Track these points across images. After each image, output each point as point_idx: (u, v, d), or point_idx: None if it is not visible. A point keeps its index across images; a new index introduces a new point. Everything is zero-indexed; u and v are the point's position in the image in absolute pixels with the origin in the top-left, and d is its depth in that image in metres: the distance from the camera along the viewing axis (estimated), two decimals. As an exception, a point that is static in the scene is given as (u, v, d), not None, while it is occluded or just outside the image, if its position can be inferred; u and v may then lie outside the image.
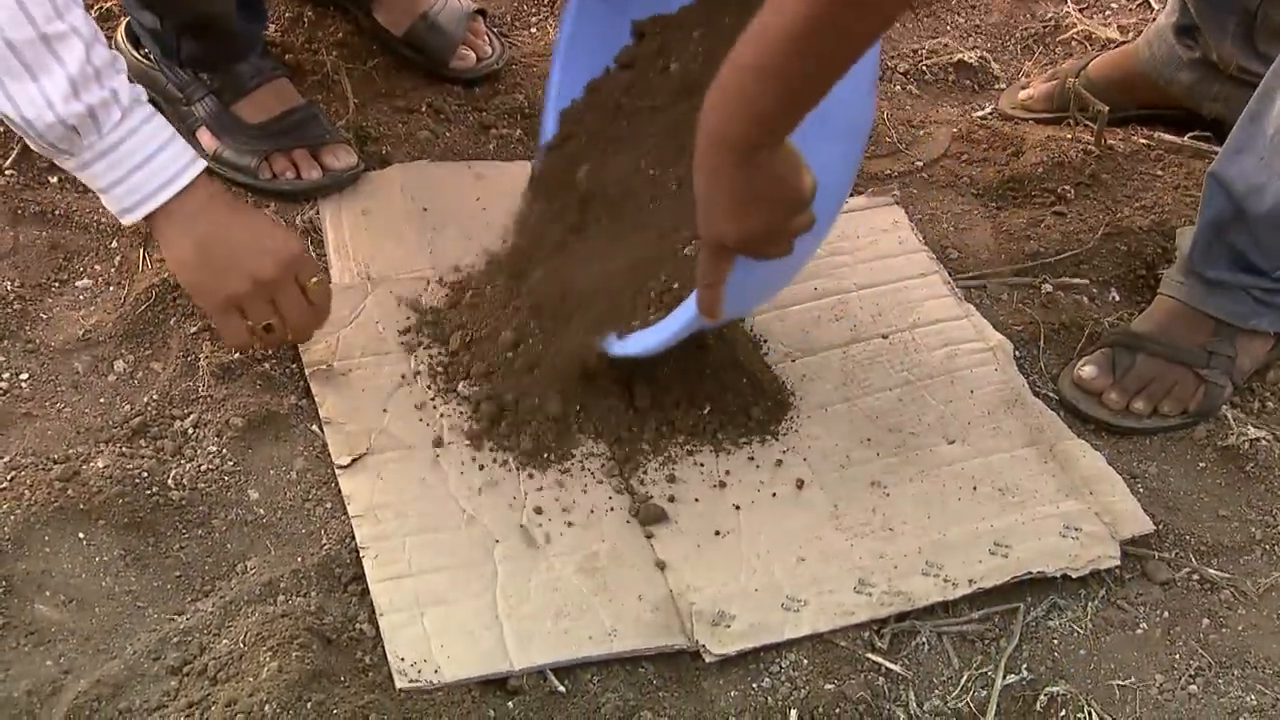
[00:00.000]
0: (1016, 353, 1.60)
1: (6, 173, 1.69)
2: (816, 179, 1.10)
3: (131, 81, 1.31)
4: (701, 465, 1.45)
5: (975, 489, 1.45)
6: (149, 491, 1.38)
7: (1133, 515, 1.43)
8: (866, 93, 1.27)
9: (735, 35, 1.02)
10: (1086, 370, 1.56)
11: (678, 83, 1.43)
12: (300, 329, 1.46)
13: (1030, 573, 1.37)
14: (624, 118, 1.47)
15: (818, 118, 1.04)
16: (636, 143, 1.45)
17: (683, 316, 1.32)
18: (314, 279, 1.43)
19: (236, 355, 1.51)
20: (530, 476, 1.43)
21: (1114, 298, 1.71)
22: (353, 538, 1.36)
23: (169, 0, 1.61)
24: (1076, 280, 1.71)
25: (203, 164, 1.35)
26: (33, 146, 1.31)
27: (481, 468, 1.43)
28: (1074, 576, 1.37)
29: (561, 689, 1.27)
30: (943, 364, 1.57)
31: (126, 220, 1.35)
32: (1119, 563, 1.39)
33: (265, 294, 1.40)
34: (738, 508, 1.42)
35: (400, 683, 1.25)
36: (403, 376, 1.51)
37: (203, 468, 1.42)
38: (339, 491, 1.41)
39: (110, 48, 1.29)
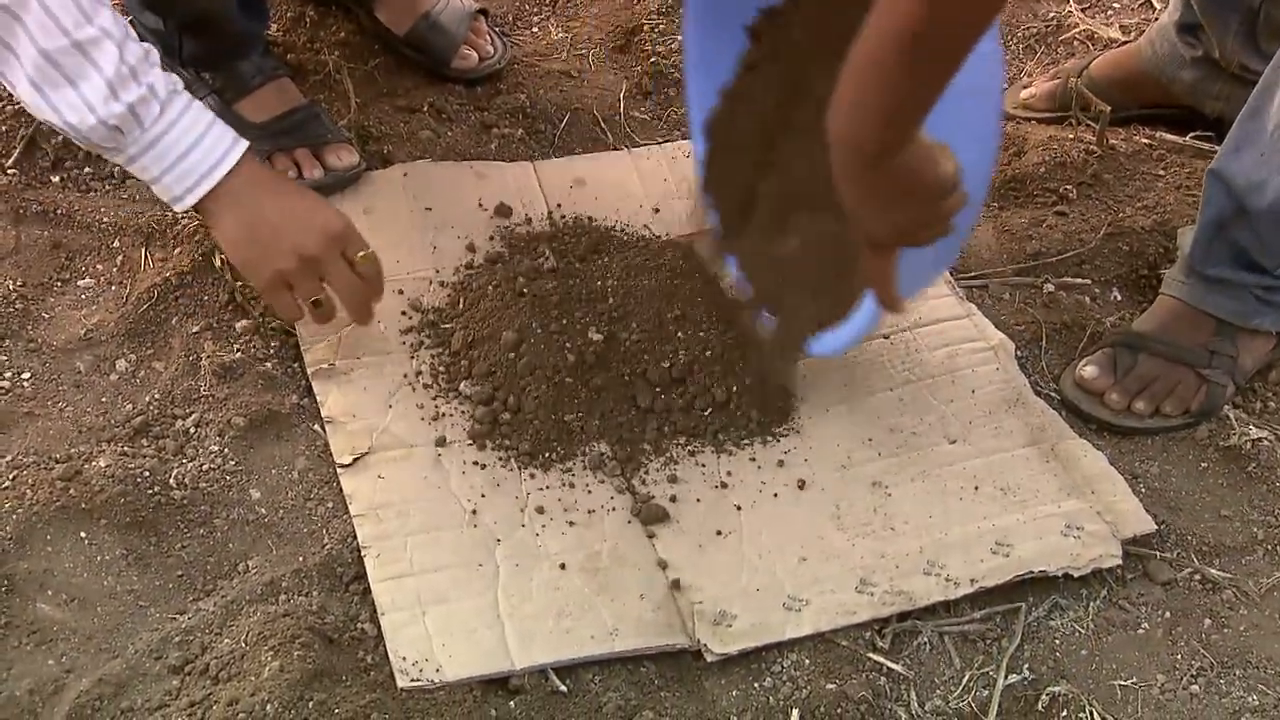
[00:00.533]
0: (1018, 352, 1.60)
1: (9, 172, 1.69)
2: (959, 162, 1.08)
3: (165, 71, 1.33)
4: (703, 466, 1.45)
5: (977, 488, 1.45)
6: (151, 491, 1.38)
7: (1134, 514, 1.43)
8: (992, 53, 1.25)
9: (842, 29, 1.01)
10: (1088, 370, 1.56)
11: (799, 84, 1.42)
12: (351, 303, 1.46)
13: (1032, 572, 1.37)
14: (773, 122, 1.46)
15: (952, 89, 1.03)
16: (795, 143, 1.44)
17: (866, 316, 1.35)
18: (361, 253, 1.45)
19: (238, 354, 1.51)
20: (532, 476, 1.43)
21: (1116, 298, 1.71)
22: (354, 537, 1.36)
23: (171, 0, 1.61)
24: (1078, 280, 1.71)
25: (245, 145, 1.39)
26: (80, 145, 1.35)
27: (483, 467, 1.43)
28: (1076, 575, 1.37)
29: (563, 688, 1.27)
30: (944, 364, 1.57)
31: (179, 207, 1.39)
32: (1120, 561, 1.39)
33: (312, 269, 1.42)
34: (739, 508, 1.42)
35: (402, 682, 1.25)
36: (405, 376, 1.51)
37: (204, 467, 1.42)
38: (341, 491, 1.41)
39: (140, 41, 1.32)
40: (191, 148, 1.35)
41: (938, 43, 0.98)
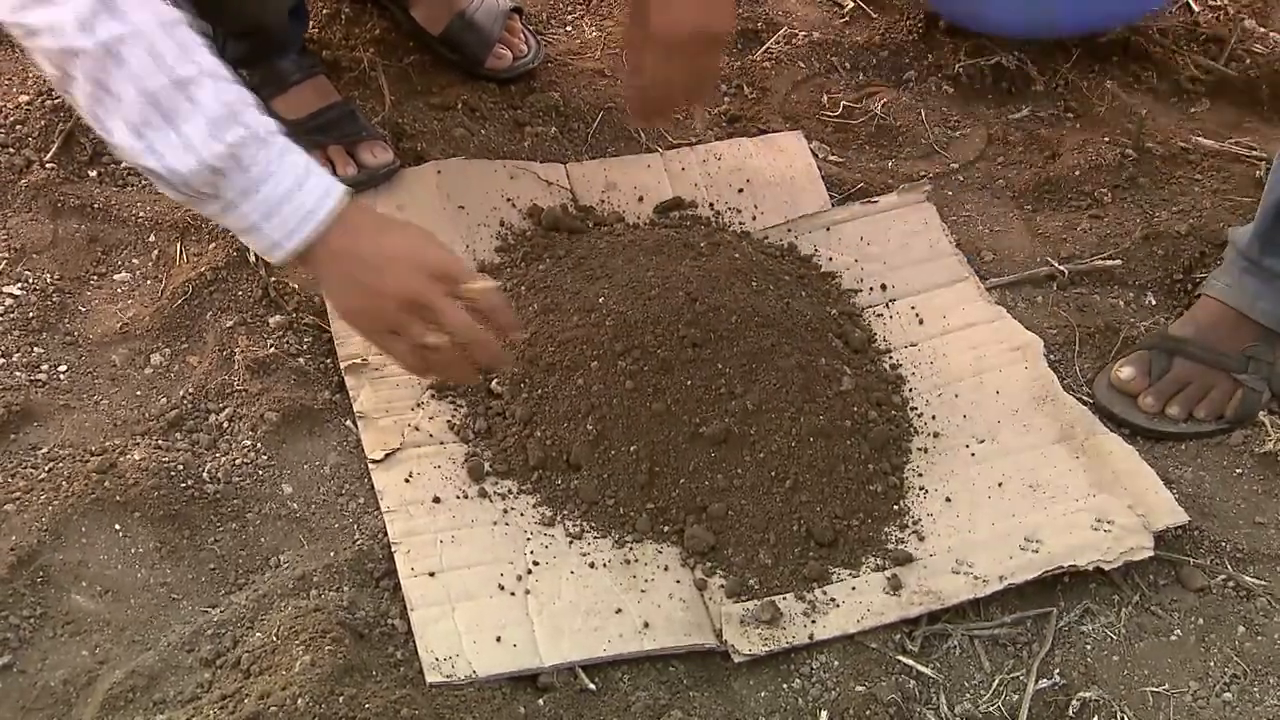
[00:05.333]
0: (1051, 356, 1.59)
1: (47, 166, 1.71)
2: None
3: (262, 112, 1.24)
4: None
5: (1005, 486, 1.44)
6: (184, 485, 1.39)
7: (1166, 506, 1.41)
8: None
9: None
10: (1124, 371, 1.55)
11: None
12: (472, 341, 1.28)
13: (1062, 567, 1.35)
14: None
15: None
16: None
17: None
18: (474, 285, 1.29)
19: (272, 350, 1.52)
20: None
21: (1150, 302, 1.70)
22: (385, 533, 1.37)
23: (225, 13, 1.61)
24: (1112, 284, 1.70)
25: (343, 189, 1.25)
26: (174, 197, 1.24)
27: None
28: (1106, 569, 1.36)
29: (592, 686, 1.27)
30: (971, 365, 1.57)
31: (276, 256, 1.25)
32: (1152, 552, 1.37)
33: (417, 312, 1.27)
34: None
35: (431, 677, 1.25)
36: (436, 373, 1.51)
37: (237, 461, 1.43)
38: (372, 487, 1.41)
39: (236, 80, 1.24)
40: (292, 191, 1.22)
41: None
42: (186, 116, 1.18)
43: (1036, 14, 1.88)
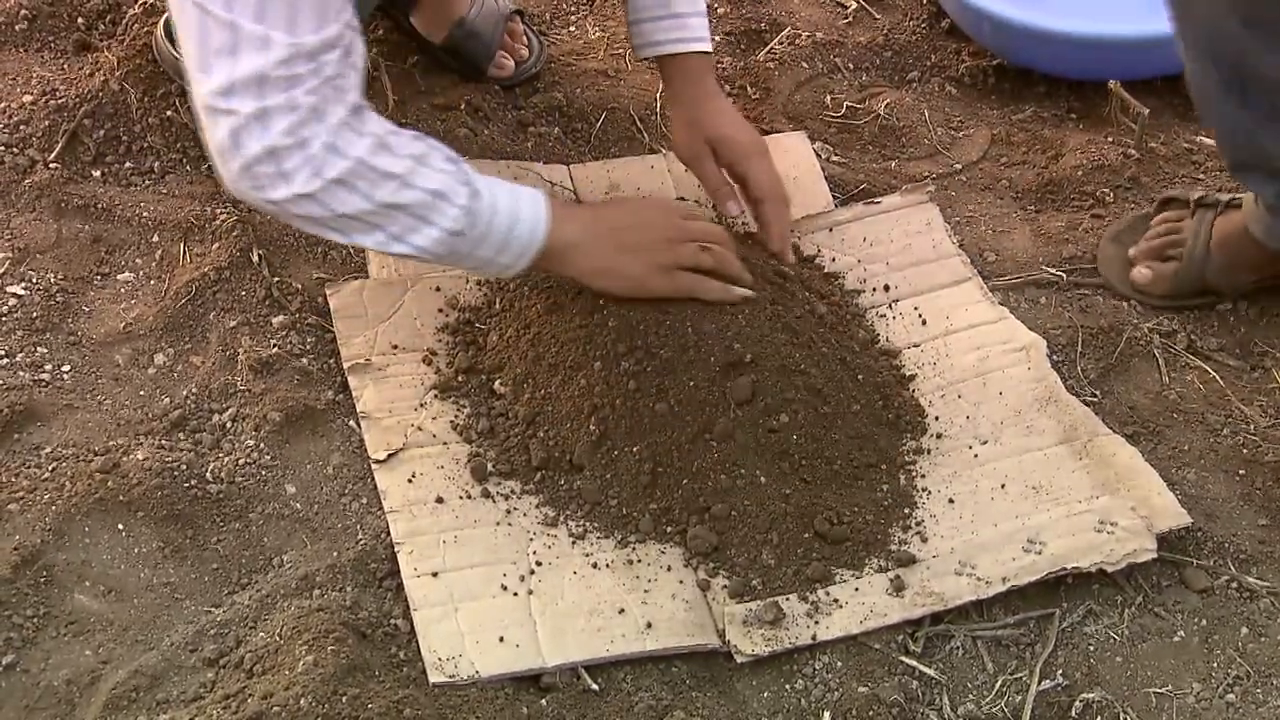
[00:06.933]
0: (1054, 356, 1.59)
1: (50, 166, 1.71)
2: None
3: (456, 164, 1.34)
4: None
5: (1008, 488, 1.44)
6: (187, 484, 1.39)
7: (1169, 508, 1.40)
8: None
9: None
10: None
11: None
12: (728, 256, 1.46)
13: (1065, 569, 1.35)
14: None
15: None
16: None
17: None
18: (696, 211, 1.51)
19: (275, 350, 1.52)
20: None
21: (1153, 302, 1.69)
22: (388, 533, 1.37)
23: None
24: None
25: (543, 193, 1.38)
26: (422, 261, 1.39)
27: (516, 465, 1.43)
28: (1110, 571, 1.36)
29: (595, 687, 1.27)
30: (974, 366, 1.56)
31: (513, 272, 1.39)
32: (1155, 555, 1.37)
33: (677, 242, 1.43)
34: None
35: (434, 677, 1.25)
36: (439, 372, 1.51)
37: (240, 461, 1.43)
38: (375, 487, 1.41)
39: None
40: (516, 212, 1.35)
41: None
42: (431, 210, 1.31)
43: (1090, 64, 1.93)
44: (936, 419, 1.52)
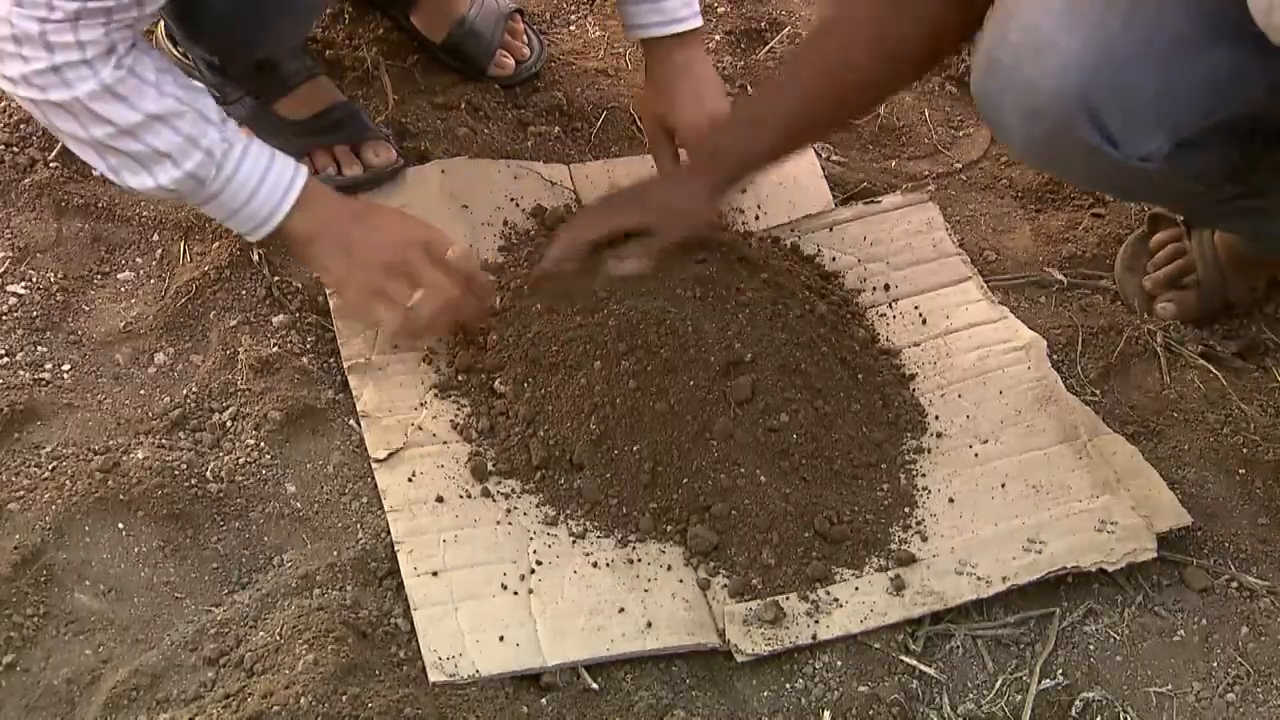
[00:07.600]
0: (1054, 356, 1.59)
1: (51, 165, 1.71)
2: None
3: (222, 122, 1.37)
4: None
5: (1008, 487, 1.44)
6: (188, 484, 1.39)
7: (1169, 507, 1.41)
8: None
9: None
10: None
11: None
12: (451, 302, 1.45)
13: (1065, 568, 1.35)
14: None
15: None
16: None
17: None
18: (449, 251, 1.46)
19: (275, 349, 1.52)
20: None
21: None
22: (388, 532, 1.37)
23: (236, 51, 1.63)
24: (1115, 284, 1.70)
25: (305, 173, 1.42)
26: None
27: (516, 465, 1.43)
28: (1110, 570, 1.36)
29: (595, 686, 1.27)
30: (975, 365, 1.57)
31: (253, 239, 1.44)
32: (1155, 554, 1.37)
33: (399, 273, 1.44)
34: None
35: (434, 677, 1.25)
36: (440, 372, 1.51)
37: (241, 460, 1.43)
38: (375, 486, 1.41)
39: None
40: (257, 188, 1.39)
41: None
42: (154, 160, 1.34)
43: None
44: (937, 418, 1.52)
